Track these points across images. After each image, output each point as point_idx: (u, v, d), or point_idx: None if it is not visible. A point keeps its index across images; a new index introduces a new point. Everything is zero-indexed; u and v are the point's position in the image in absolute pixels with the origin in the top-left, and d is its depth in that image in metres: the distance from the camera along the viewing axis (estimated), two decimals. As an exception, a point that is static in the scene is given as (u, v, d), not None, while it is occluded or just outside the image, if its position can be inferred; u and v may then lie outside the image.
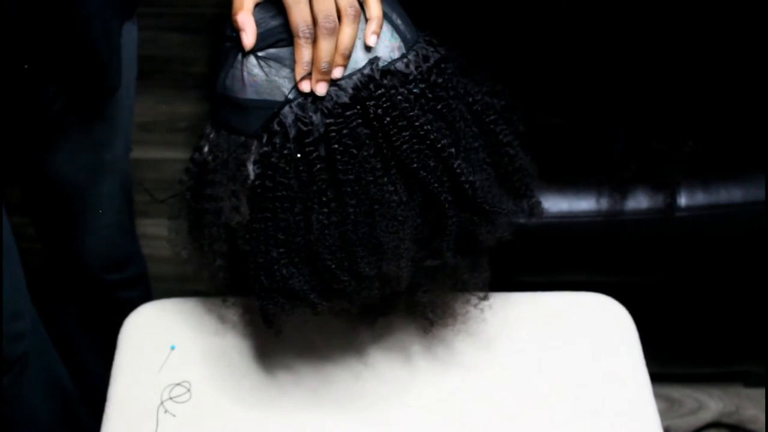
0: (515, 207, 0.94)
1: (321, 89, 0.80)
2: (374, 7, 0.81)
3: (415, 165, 0.83)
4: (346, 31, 0.80)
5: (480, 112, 0.88)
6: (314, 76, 0.80)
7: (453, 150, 0.84)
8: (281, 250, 0.85)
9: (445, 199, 0.85)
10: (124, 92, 1.16)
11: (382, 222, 0.83)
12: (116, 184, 1.31)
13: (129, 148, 1.31)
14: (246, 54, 0.81)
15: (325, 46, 0.79)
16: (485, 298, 1.03)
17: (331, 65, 0.80)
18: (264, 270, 0.86)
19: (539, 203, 0.96)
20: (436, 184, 0.84)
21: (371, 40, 0.81)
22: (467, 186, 0.85)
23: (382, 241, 0.84)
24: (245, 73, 0.81)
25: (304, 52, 0.79)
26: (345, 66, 0.80)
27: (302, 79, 0.80)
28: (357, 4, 0.80)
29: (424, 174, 0.83)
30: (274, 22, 0.81)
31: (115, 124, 1.22)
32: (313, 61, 0.79)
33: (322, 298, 0.88)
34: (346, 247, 0.84)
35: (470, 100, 0.88)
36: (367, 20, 0.82)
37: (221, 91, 0.82)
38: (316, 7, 0.78)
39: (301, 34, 0.78)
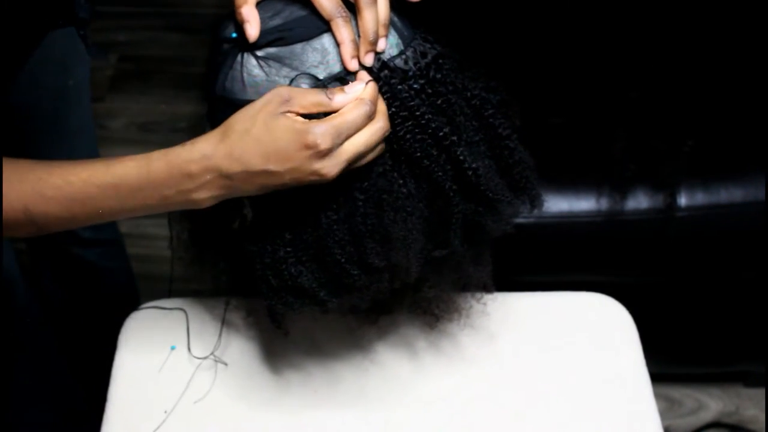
0: (520, 198, 0.94)
1: (370, 60, 0.81)
2: (383, 9, 0.82)
3: (418, 154, 0.83)
4: (382, 1, 0.81)
5: (478, 107, 0.89)
6: (363, 48, 0.80)
7: (455, 138, 0.85)
8: (288, 248, 0.85)
9: (449, 188, 0.86)
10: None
11: (390, 213, 0.84)
12: (82, 121, 1.30)
13: (89, 85, 1.31)
14: (245, 55, 0.81)
15: (369, 16, 0.80)
16: (490, 291, 1.03)
17: (377, 36, 0.80)
18: (272, 270, 0.86)
19: (540, 195, 0.96)
20: (439, 173, 0.85)
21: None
22: (470, 173, 0.86)
23: (390, 231, 0.84)
24: (245, 74, 0.81)
25: (344, 32, 0.80)
26: (387, 36, 0.82)
27: (352, 57, 0.80)
28: None
29: (428, 163, 0.84)
30: (273, 23, 0.81)
31: (74, 48, 1.20)
32: (360, 35, 0.80)
33: (332, 295, 0.88)
34: (355, 240, 0.84)
35: (468, 95, 0.88)
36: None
37: (221, 93, 0.82)
38: None
39: (337, 15, 0.79)
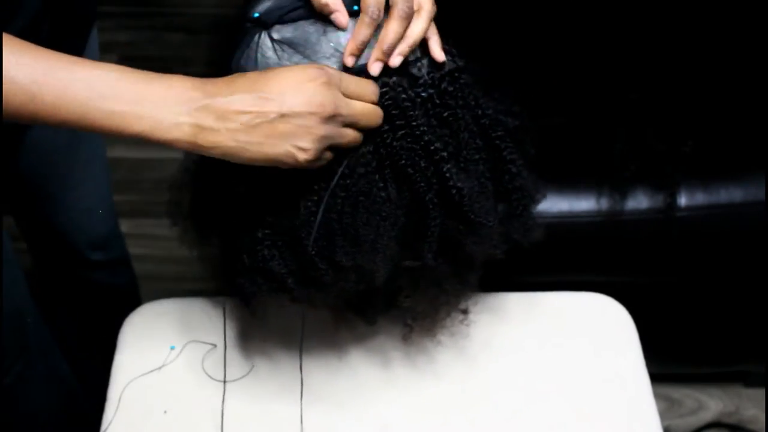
0: (510, 225, 0.94)
1: (376, 69, 0.81)
2: (417, 31, 0.82)
3: (403, 162, 0.83)
4: (420, 26, 0.81)
5: (487, 126, 0.89)
6: (375, 54, 0.80)
7: (445, 154, 0.84)
8: (267, 231, 0.86)
9: (429, 200, 0.85)
10: (93, 44, 1.17)
11: (363, 215, 0.84)
12: (95, 150, 1.30)
13: None
14: (263, 35, 0.82)
15: (396, 28, 0.80)
16: (467, 311, 1.03)
17: (393, 50, 0.80)
18: (248, 248, 0.87)
19: (535, 227, 0.96)
20: (422, 184, 0.85)
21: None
22: (454, 191, 0.85)
23: (360, 233, 0.84)
24: (259, 54, 0.82)
25: (363, 31, 0.80)
26: (405, 57, 0.81)
27: (351, 55, 0.80)
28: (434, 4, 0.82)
29: (412, 172, 0.84)
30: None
31: None
32: (379, 40, 0.80)
33: (299, 285, 0.88)
34: (327, 236, 0.84)
35: (479, 112, 0.88)
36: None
37: (235, 69, 0.83)
38: None
39: (369, 14, 0.79)
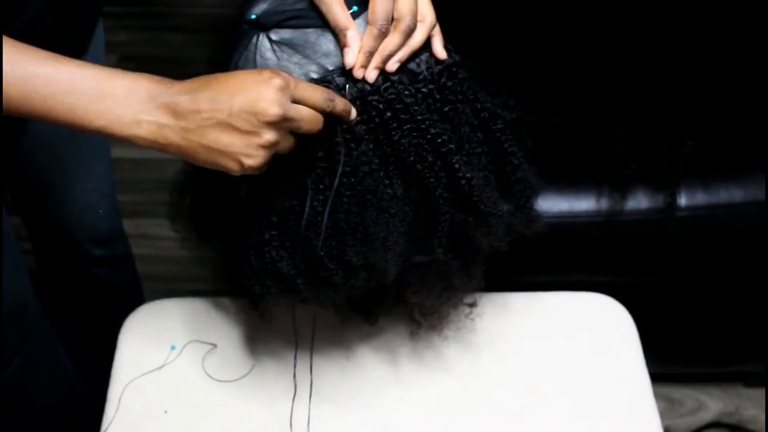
0: (514, 217, 0.94)
1: (373, 76, 0.82)
2: (415, 43, 0.83)
3: (412, 158, 0.84)
4: (420, 37, 0.82)
5: (487, 119, 0.89)
6: (374, 62, 0.81)
7: (453, 146, 0.84)
8: (273, 232, 0.86)
9: (439, 195, 0.86)
10: (99, 40, 1.17)
11: (372, 213, 0.84)
12: (97, 145, 1.31)
13: None
14: (261, 36, 0.82)
15: (397, 41, 0.81)
16: (473, 305, 1.03)
17: (391, 58, 0.82)
18: (255, 250, 0.87)
19: (538, 218, 0.96)
20: (432, 179, 0.85)
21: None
22: (464, 182, 0.85)
23: (371, 231, 0.84)
24: (258, 56, 0.82)
25: (371, 43, 0.80)
26: (401, 62, 0.82)
27: (361, 67, 0.81)
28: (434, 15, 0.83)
29: (421, 168, 0.84)
30: (297, 6, 0.82)
31: None
32: (380, 49, 0.81)
33: (308, 285, 0.88)
34: (336, 235, 0.84)
35: (479, 106, 0.88)
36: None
37: (233, 71, 0.83)
38: (405, 6, 0.80)
39: (378, 27, 0.80)
